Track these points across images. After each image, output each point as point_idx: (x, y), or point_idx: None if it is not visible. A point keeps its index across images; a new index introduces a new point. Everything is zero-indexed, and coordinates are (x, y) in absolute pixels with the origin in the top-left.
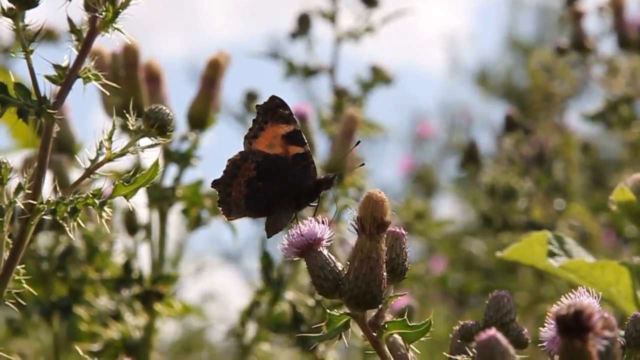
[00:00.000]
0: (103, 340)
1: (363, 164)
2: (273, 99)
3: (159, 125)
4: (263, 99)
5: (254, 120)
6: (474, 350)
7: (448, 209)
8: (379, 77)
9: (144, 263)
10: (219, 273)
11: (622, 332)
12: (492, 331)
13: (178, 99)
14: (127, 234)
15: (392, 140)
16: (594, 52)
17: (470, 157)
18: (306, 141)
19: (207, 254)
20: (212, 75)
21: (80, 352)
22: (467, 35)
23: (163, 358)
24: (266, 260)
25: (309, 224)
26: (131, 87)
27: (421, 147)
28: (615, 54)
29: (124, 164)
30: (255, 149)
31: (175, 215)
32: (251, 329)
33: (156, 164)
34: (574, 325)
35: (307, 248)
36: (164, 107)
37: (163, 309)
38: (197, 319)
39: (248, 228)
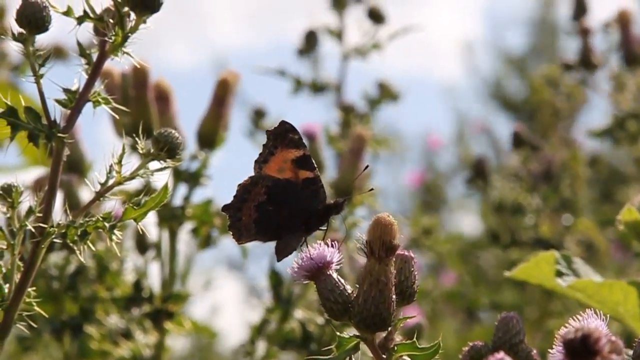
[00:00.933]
0: (114, 358)
1: (372, 189)
2: (283, 124)
3: (168, 149)
4: (270, 114)
5: (264, 145)
6: None
7: (457, 222)
8: (385, 93)
9: (154, 281)
10: (224, 285)
11: (630, 352)
12: (501, 355)
13: (185, 108)
14: (137, 253)
15: (404, 152)
16: (601, 68)
17: (478, 173)
18: (315, 165)
19: (213, 266)
20: (221, 95)
21: None
22: (481, 44)
23: None
24: (275, 279)
25: (318, 248)
26: (141, 107)
27: (431, 159)
28: (622, 70)
29: (134, 184)
30: (265, 174)
31: (184, 234)
32: (261, 347)
33: (165, 187)
34: (582, 349)
35: (317, 271)
36: (173, 131)
37: (173, 328)
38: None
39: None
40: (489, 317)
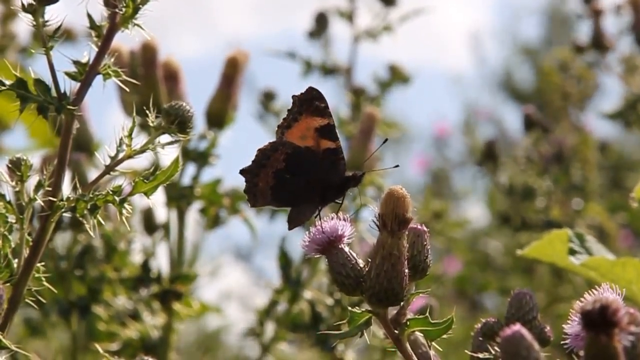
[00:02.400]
0: (121, 339)
1: (397, 166)
2: (310, 90)
3: (179, 122)
4: (280, 98)
5: (288, 110)
6: (495, 347)
7: (464, 212)
8: (396, 76)
9: (162, 262)
10: (232, 272)
11: None
12: (517, 326)
13: (195, 98)
14: (145, 233)
15: (414, 140)
16: (613, 51)
17: (489, 155)
18: (338, 136)
19: (221, 254)
20: (230, 74)
21: (100, 351)
22: (490, 34)
23: (181, 358)
24: (284, 260)
25: (330, 221)
26: (149, 85)
27: (439, 147)
28: (634, 53)
29: (142, 163)
30: (286, 140)
31: (192, 216)
32: (270, 329)
33: (177, 160)
34: (600, 320)
35: (328, 245)
36: (184, 104)
37: (181, 308)
38: (215, 318)
39: (260, 226)
40: (495, 305)
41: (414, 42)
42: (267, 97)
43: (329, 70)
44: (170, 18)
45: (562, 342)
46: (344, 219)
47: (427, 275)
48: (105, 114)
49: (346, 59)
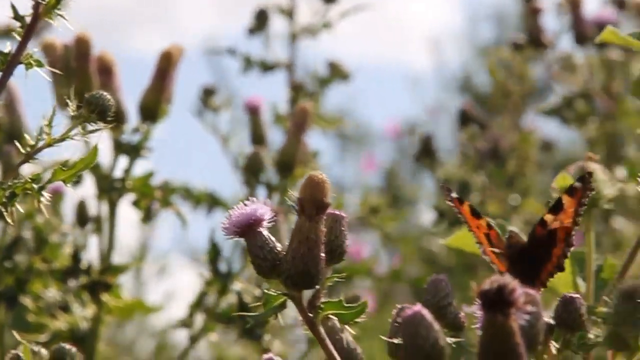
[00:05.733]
0: (50, 331)
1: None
2: None
3: (99, 111)
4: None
5: None
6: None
7: (419, 215)
8: (336, 73)
9: (94, 255)
10: (183, 273)
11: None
12: (417, 307)
13: None
14: (77, 226)
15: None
16: (551, 48)
17: (426, 151)
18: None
19: (171, 254)
20: (164, 67)
21: (22, 341)
22: (450, 36)
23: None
24: (214, 252)
25: (251, 204)
26: (82, 79)
27: (395, 147)
28: (573, 51)
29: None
30: None
31: (131, 213)
32: (199, 320)
33: (95, 148)
34: (497, 300)
35: (248, 228)
36: (104, 93)
37: (110, 300)
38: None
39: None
40: None
41: (377, 41)
42: (207, 93)
43: (268, 67)
44: (131, 13)
45: (474, 326)
46: (265, 203)
47: (365, 269)
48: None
49: (287, 56)
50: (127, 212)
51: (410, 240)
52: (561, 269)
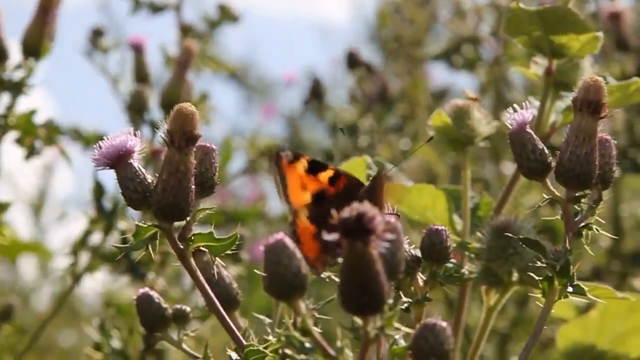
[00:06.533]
0: None
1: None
2: None
3: None
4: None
5: None
6: None
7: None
8: (225, 15)
9: None
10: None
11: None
12: (280, 235)
13: None
14: None
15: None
16: None
17: (314, 94)
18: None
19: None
20: (46, 4)
21: None
22: None
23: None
24: (98, 190)
25: (120, 136)
26: None
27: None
28: None
29: None
30: None
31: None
32: (84, 259)
33: None
34: (356, 227)
35: (118, 159)
36: None
37: None
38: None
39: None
40: None
41: None
42: (96, 34)
43: (157, 8)
44: None
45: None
46: (135, 135)
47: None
48: None
49: None
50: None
51: None
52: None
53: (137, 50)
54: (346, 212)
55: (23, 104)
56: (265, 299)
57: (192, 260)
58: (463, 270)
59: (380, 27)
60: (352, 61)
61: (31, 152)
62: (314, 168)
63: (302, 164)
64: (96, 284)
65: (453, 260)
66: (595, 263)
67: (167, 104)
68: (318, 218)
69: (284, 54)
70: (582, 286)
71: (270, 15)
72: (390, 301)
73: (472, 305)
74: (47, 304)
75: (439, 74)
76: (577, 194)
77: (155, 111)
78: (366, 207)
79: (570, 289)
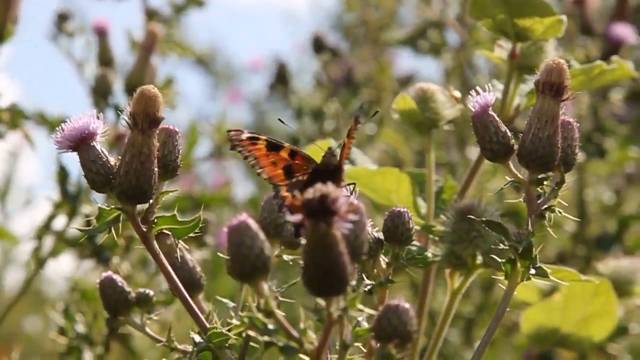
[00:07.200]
0: None
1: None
2: None
3: None
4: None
5: None
6: None
7: None
8: (191, 0)
9: None
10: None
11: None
12: (243, 217)
13: None
14: None
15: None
16: None
17: (280, 78)
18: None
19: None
20: None
21: None
22: None
23: None
24: (62, 174)
25: (83, 118)
26: None
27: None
28: None
29: None
30: None
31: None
32: (48, 243)
33: None
34: (319, 208)
35: (80, 142)
36: None
37: None
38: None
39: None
40: None
41: None
42: (61, 18)
43: None
44: None
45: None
46: (98, 117)
47: (221, 197)
48: None
49: None
50: None
51: None
52: None
53: (101, 34)
54: (309, 193)
55: None
56: (231, 284)
57: (155, 243)
58: (427, 253)
59: (346, 11)
60: (318, 45)
61: None
62: (273, 146)
63: (262, 143)
64: (62, 269)
65: (416, 243)
66: (561, 248)
67: (131, 88)
68: (294, 190)
69: (250, 40)
70: (545, 268)
71: (237, 2)
72: (354, 283)
73: (437, 290)
74: (12, 290)
75: (404, 60)
76: (539, 177)
77: (119, 95)
78: (329, 188)
79: (533, 271)
